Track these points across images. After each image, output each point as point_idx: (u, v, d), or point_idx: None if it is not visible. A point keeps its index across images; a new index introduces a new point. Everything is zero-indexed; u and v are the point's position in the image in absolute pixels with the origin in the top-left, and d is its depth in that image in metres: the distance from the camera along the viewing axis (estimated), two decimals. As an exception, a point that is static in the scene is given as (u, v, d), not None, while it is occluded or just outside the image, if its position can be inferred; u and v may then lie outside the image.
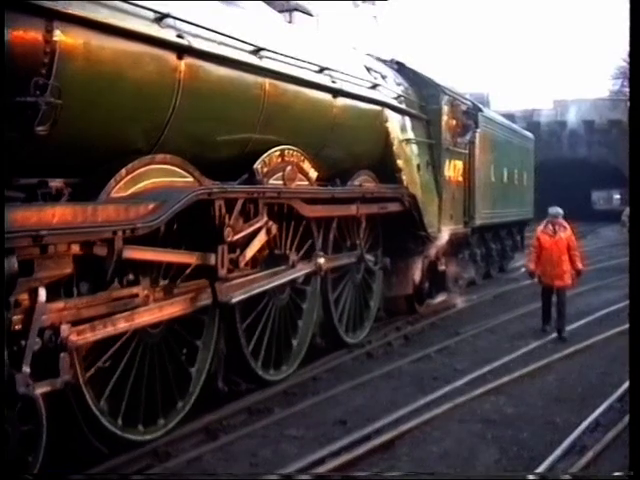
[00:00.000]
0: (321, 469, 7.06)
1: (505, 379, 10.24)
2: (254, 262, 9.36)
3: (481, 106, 18.91)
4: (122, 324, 7.13)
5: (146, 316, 7.47)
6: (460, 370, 10.95)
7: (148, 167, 7.44)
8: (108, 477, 6.94)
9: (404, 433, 8.12)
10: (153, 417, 7.90)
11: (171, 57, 7.66)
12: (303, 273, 10.27)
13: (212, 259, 8.16)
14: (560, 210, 13.54)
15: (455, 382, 10.17)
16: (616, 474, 6.80)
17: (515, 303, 16.87)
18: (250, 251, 8.86)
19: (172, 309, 7.83)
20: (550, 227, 13.47)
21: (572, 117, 56.56)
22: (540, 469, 7.08)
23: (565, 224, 13.51)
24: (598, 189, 61.75)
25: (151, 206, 7.06)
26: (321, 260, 10.48)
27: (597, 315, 14.99)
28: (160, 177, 7.59)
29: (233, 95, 8.70)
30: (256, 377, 9.65)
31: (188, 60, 7.84)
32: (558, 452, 7.50)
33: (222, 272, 8.27)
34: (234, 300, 8.45)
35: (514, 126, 24.11)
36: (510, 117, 33.54)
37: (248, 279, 9.03)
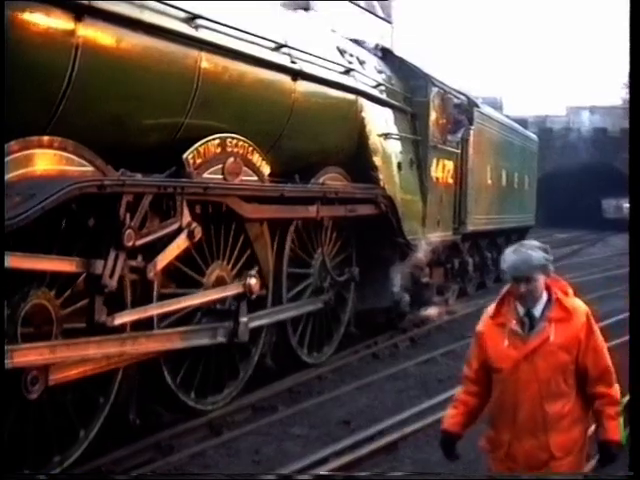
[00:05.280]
0: (324, 469, 7.01)
1: None
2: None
3: (478, 102, 17.37)
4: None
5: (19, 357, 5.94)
6: (465, 374, 10.52)
7: (28, 152, 5.96)
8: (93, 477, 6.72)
9: (408, 435, 8.11)
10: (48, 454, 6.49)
11: (65, 17, 6.21)
12: (225, 296, 8.55)
13: (98, 267, 6.56)
14: (539, 256, 4.47)
15: (460, 386, 9.45)
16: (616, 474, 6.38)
17: None
18: (163, 259, 7.30)
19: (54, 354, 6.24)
20: (519, 309, 4.55)
21: (585, 124, 55.52)
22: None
23: (564, 287, 4.63)
24: (608, 197, 60.63)
25: (16, 200, 5.56)
26: (252, 281, 8.73)
27: (604, 323, 13.78)
28: (45, 164, 6.11)
29: (154, 70, 7.20)
30: (184, 407, 8.15)
31: (90, 23, 6.40)
32: None
33: (110, 283, 6.62)
34: (117, 322, 6.79)
35: (516, 126, 22.58)
36: (523, 122, 32.20)
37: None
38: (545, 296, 4.46)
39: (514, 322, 4.47)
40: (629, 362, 5.03)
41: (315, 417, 8.80)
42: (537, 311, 4.46)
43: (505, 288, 4.62)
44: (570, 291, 4.56)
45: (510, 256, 4.44)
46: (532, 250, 4.42)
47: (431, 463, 7.38)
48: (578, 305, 4.52)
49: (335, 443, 7.74)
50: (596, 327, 4.50)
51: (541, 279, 4.43)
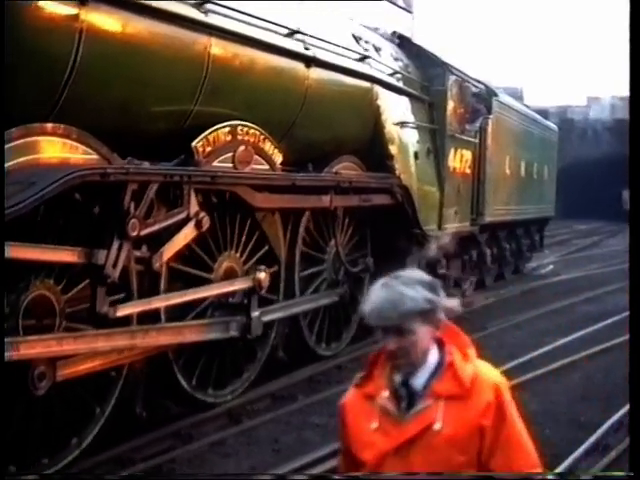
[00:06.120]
0: None
1: (530, 375, 10.00)
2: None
3: (497, 90, 17.08)
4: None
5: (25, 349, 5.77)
6: (485, 365, 10.46)
7: (29, 139, 5.82)
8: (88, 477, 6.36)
9: None
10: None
11: (68, 1, 6.04)
12: (234, 290, 8.34)
13: (101, 257, 6.36)
14: (418, 296, 2.81)
15: None
16: (616, 474, 6.64)
17: (542, 300, 16.33)
18: (170, 249, 7.11)
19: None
20: (394, 376, 2.90)
21: (606, 115, 55.07)
22: (562, 467, 6.85)
23: (464, 344, 2.95)
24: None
25: (15, 189, 5.39)
26: (261, 275, 8.48)
27: (624, 315, 13.59)
28: (48, 152, 5.96)
29: (161, 55, 7.05)
30: (192, 399, 7.99)
31: (94, 7, 6.24)
32: (581, 450, 7.35)
33: (113, 273, 6.43)
34: (119, 313, 6.59)
35: (536, 115, 22.22)
36: (544, 113, 31.83)
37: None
38: (434, 358, 2.88)
39: (386, 394, 2.88)
40: (629, 363, 4.94)
41: (335, 406, 8.61)
42: (418, 381, 2.85)
43: (374, 349, 3.10)
44: (471, 351, 2.94)
45: (375, 293, 2.85)
46: (408, 286, 2.80)
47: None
48: (483, 374, 2.88)
49: (354, 432, 7.79)
50: (513, 409, 2.89)
51: (422, 332, 2.83)
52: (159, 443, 7.24)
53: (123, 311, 6.62)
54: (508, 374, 9.52)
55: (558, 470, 6.71)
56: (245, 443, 7.54)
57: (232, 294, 8.34)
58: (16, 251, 5.50)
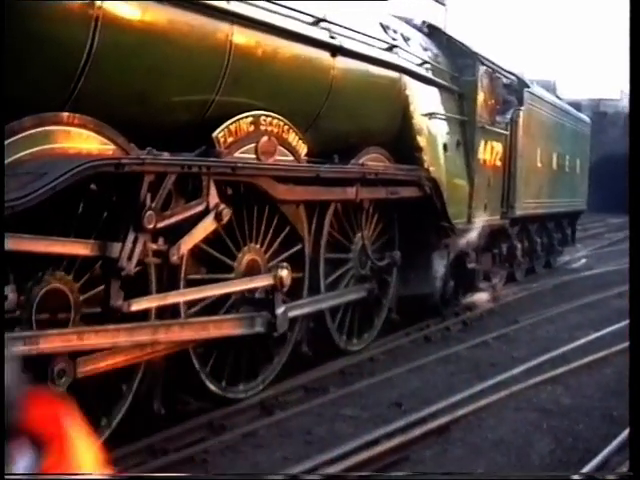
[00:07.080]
0: (375, 450, 6.98)
1: (562, 369, 10.05)
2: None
3: (528, 81, 16.77)
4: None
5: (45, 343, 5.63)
6: (517, 358, 10.80)
7: (43, 129, 5.63)
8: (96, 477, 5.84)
9: (459, 418, 8.04)
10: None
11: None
12: (254, 287, 8.12)
13: (115, 250, 6.18)
14: None
15: (512, 370, 9.97)
16: (615, 474, 6.76)
17: (575, 294, 16.44)
18: (189, 242, 6.92)
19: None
20: None
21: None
22: (594, 462, 6.92)
23: None
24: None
25: (25, 179, 5.23)
26: (283, 273, 8.22)
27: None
28: (63, 142, 5.78)
29: (181, 44, 6.83)
30: (213, 395, 7.82)
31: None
32: (613, 445, 7.29)
33: (128, 267, 6.22)
34: (134, 307, 6.39)
35: (568, 107, 21.89)
36: (576, 106, 31.43)
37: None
38: None
39: None
40: (629, 365, 5.02)
41: (367, 399, 8.79)
42: None
43: None
44: None
45: None
46: None
47: (482, 446, 7.44)
48: None
49: (386, 425, 7.69)
50: None
51: None
52: (192, 434, 7.24)
53: (138, 306, 6.44)
54: (540, 368, 9.98)
55: (588, 467, 6.79)
56: (277, 434, 7.54)
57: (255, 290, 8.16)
58: (27, 244, 5.35)
